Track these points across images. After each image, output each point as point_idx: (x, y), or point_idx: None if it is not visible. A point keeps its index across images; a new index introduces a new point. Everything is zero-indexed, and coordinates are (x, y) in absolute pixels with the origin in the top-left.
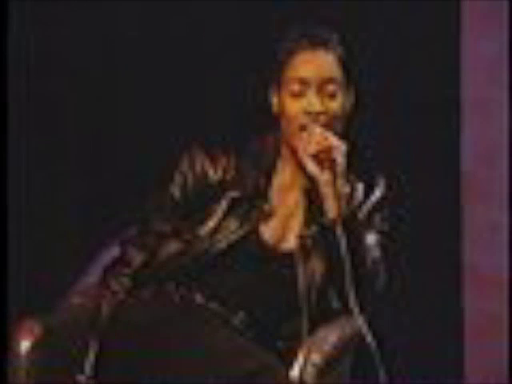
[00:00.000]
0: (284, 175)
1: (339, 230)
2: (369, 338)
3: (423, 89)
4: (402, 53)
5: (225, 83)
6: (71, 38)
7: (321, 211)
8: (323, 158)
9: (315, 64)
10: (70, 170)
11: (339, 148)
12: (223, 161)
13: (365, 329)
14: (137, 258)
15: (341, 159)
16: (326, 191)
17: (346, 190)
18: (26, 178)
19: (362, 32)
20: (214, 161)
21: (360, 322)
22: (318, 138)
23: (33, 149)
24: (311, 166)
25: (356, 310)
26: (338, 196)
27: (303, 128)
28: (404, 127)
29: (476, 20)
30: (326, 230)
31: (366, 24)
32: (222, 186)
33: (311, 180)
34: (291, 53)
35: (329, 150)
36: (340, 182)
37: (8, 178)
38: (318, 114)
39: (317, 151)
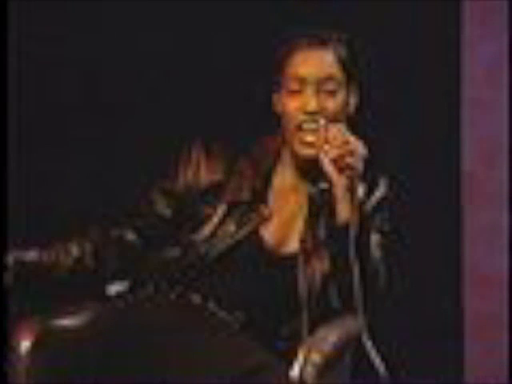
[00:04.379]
0: (284, 177)
1: (352, 233)
2: (364, 338)
3: (423, 89)
4: (402, 53)
5: (225, 84)
6: (71, 37)
7: (330, 213)
8: (342, 161)
9: (314, 62)
10: (69, 170)
11: (360, 152)
12: (221, 160)
13: (363, 328)
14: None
15: (360, 164)
16: (342, 194)
17: (360, 192)
18: (25, 178)
19: (361, 32)
20: (211, 161)
21: (361, 322)
22: (339, 140)
23: (33, 148)
24: (329, 169)
25: (361, 310)
26: (353, 199)
27: (300, 127)
28: (404, 127)
29: (476, 20)
30: (337, 232)
31: (365, 24)
32: (219, 187)
33: (316, 183)
34: (290, 52)
35: (350, 154)
36: (356, 185)
37: (8, 177)
38: (315, 113)
39: (338, 155)
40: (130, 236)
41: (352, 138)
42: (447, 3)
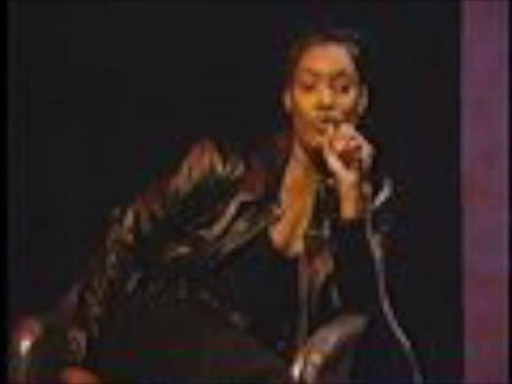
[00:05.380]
0: (295, 176)
1: (360, 231)
2: (403, 339)
3: (423, 89)
4: (401, 53)
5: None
6: (71, 37)
7: (336, 211)
8: (348, 157)
9: (327, 57)
10: (70, 169)
11: (366, 148)
12: (233, 158)
13: (396, 328)
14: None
15: (367, 160)
16: (349, 191)
17: (368, 190)
18: (26, 178)
19: (361, 32)
20: (223, 156)
21: (394, 324)
22: (346, 136)
23: (33, 148)
24: (334, 164)
25: (388, 308)
26: (361, 196)
27: (313, 122)
28: (403, 127)
29: (476, 20)
30: (343, 230)
31: (365, 24)
32: (231, 185)
33: (326, 179)
34: (303, 48)
35: (356, 149)
36: (364, 182)
37: (8, 177)
38: (330, 108)
39: (343, 150)
40: (131, 238)
41: (359, 136)
42: (447, 3)
